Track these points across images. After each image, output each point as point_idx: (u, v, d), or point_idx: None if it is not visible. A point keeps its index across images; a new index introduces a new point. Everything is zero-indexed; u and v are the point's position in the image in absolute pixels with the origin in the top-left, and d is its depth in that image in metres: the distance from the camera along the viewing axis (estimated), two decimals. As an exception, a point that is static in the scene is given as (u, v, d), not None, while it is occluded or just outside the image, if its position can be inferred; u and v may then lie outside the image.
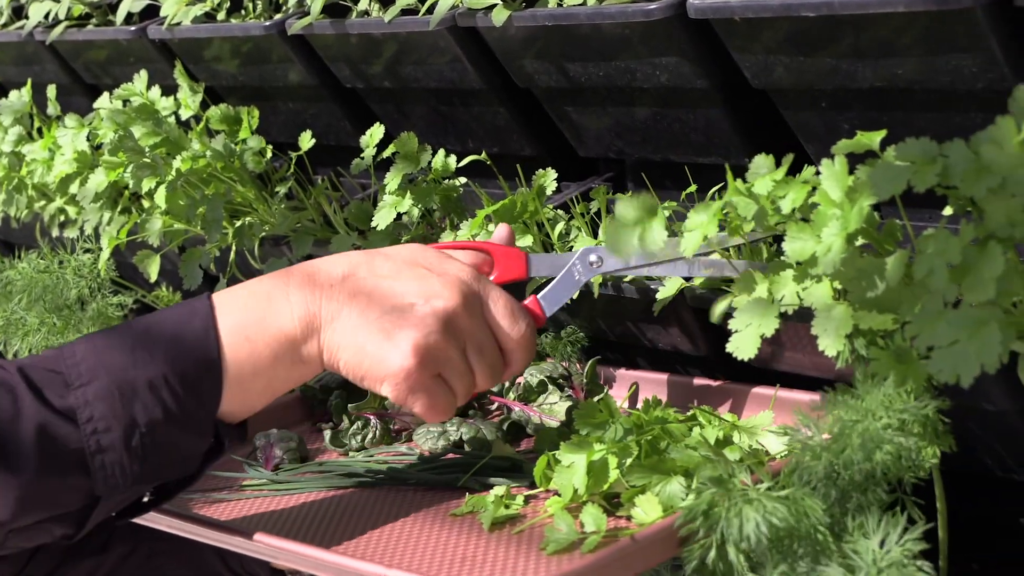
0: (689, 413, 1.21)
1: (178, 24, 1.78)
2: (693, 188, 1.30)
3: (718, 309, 1.18)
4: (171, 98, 1.73)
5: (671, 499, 1.08)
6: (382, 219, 1.49)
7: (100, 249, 1.77)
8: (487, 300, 1.14)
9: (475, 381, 1.13)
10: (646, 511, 1.07)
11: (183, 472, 1.12)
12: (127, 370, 1.07)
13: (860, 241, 1.02)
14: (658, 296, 1.26)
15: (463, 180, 1.54)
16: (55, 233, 1.95)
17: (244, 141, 1.65)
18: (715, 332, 1.21)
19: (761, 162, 1.06)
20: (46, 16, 1.99)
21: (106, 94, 1.83)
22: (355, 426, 1.38)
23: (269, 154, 1.65)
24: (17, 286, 1.81)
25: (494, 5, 1.39)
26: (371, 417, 1.38)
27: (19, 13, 2.14)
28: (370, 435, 1.37)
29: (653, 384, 1.34)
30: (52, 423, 1.04)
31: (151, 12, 1.88)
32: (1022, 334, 0.95)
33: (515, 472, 1.24)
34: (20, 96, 1.98)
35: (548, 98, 1.48)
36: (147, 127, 1.64)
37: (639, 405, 1.22)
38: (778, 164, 1.09)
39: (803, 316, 1.06)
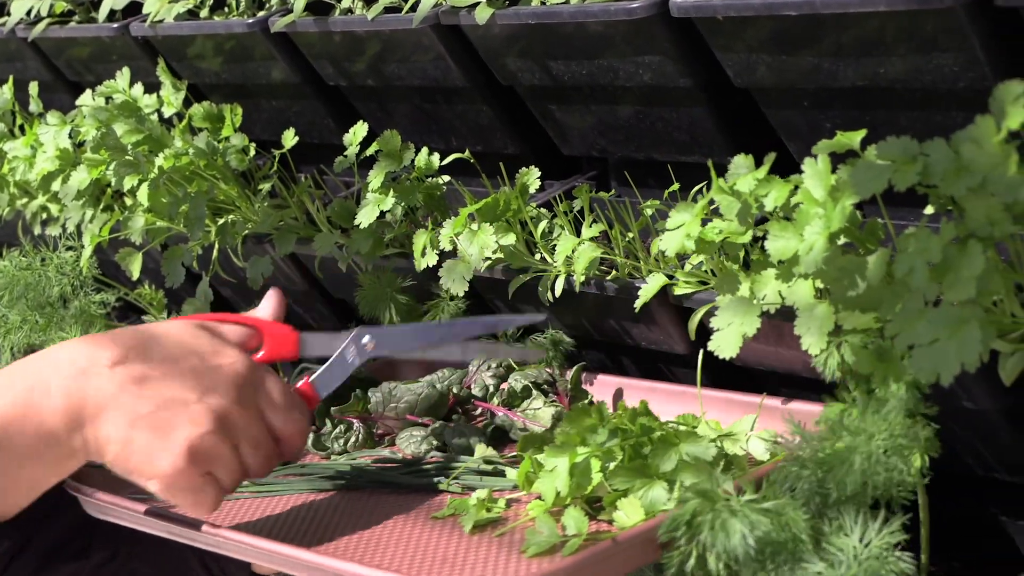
0: (672, 420, 1.21)
1: (161, 21, 1.77)
2: (676, 187, 1.30)
3: (694, 323, 1.19)
4: (154, 95, 1.72)
5: (653, 504, 1.07)
6: (365, 217, 1.49)
7: (82, 247, 1.77)
8: (262, 390, 1.13)
9: (247, 473, 1.12)
10: (628, 514, 1.07)
11: None
12: None
13: (842, 240, 1.02)
14: (640, 294, 1.25)
15: (446, 178, 1.54)
16: (37, 231, 1.94)
17: (227, 139, 1.65)
18: (698, 331, 1.21)
19: (741, 161, 1.06)
20: (28, 12, 1.98)
21: (88, 91, 1.82)
22: (338, 430, 1.37)
23: (252, 152, 1.65)
24: (-1, 284, 1.80)
25: (477, 3, 1.38)
26: (354, 421, 1.37)
27: (1, 9, 2.13)
28: (353, 439, 1.36)
29: (637, 390, 1.34)
30: None
31: (134, 9, 1.87)
32: (1002, 332, 0.96)
33: (497, 476, 1.24)
34: (2, 93, 1.97)
35: (531, 96, 1.48)
36: (129, 124, 1.64)
37: (619, 410, 1.22)
38: (760, 163, 1.09)
39: (786, 315, 1.06)
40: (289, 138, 1.62)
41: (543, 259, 1.37)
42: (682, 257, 1.26)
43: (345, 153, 1.56)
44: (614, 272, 1.33)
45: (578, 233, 1.35)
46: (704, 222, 1.12)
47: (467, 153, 1.52)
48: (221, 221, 1.67)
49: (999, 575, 1.24)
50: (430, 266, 1.43)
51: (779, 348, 1.21)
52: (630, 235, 1.32)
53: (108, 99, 1.73)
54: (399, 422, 1.36)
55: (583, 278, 1.32)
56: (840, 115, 1.20)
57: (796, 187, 1.03)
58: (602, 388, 1.38)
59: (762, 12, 1.14)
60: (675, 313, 1.29)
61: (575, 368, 1.34)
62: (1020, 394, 1.06)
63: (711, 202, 1.12)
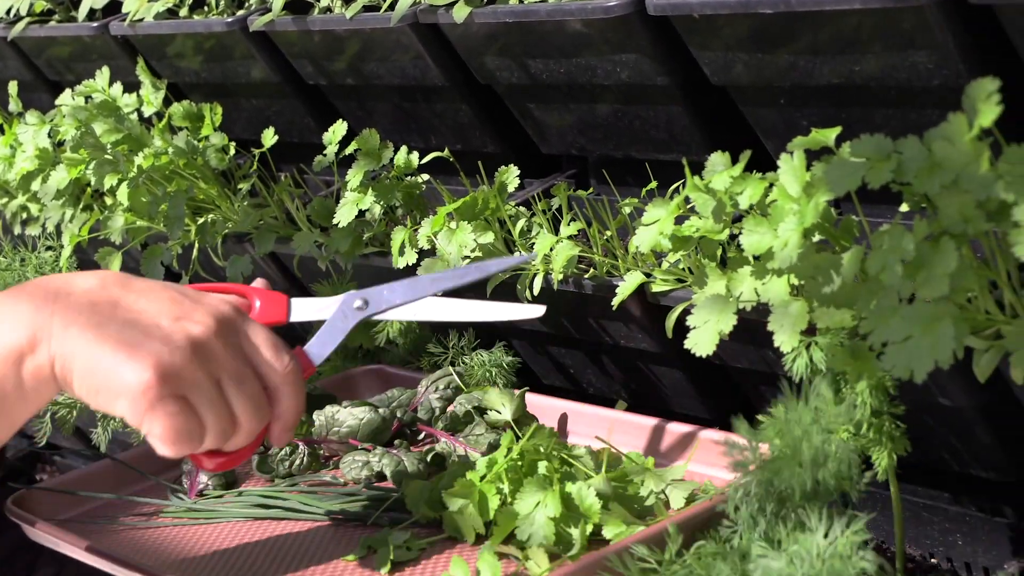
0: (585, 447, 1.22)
1: (140, 20, 1.77)
2: (653, 185, 1.30)
3: (671, 322, 1.19)
4: (134, 95, 1.72)
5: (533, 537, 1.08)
6: (343, 216, 1.49)
7: (62, 246, 1.76)
8: (246, 331, 1.05)
9: (233, 417, 1.03)
10: (537, 563, 1.08)
11: None
12: None
13: (818, 237, 1.02)
14: (617, 292, 1.26)
15: (425, 177, 1.54)
16: (17, 231, 1.94)
17: (207, 138, 1.65)
18: (675, 329, 1.22)
19: (717, 159, 1.06)
20: (7, 12, 1.98)
21: (68, 91, 1.82)
22: (283, 452, 1.36)
23: (232, 151, 1.64)
24: (-22, 284, 1.80)
25: (455, 2, 1.39)
26: (299, 443, 1.36)
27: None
28: (298, 461, 1.36)
29: (582, 417, 1.34)
30: None
31: (114, 8, 1.87)
32: (976, 329, 0.96)
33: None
34: (-19, 93, 1.96)
35: (510, 95, 1.48)
36: (109, 124, 1.64)
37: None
38: (737, 161, 1.09)
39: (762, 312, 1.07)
40: (269, 137, 1.62)
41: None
42: (660, 255, 1.26)
43: (324, 152, 1.56)
44: (592, 270, 1.33)
45: (556, 231, 1.35)
46: (681, 220, 1.12)
47: (446, 152, 1.52)
48: (201, 220, 1.66)
49: (975, 572, 1.24)
50: (409, 264, 1.43)
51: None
52: (608, 233, 1.33)
53: (88, 98, 1.72)
54: (344, 446, 1.36)
55: (561, 276, 1.32)
56: (816, 113, 1.21)
57: (771, 184, 1.03)
58: (551, 413, 1.39)
59: (738, 10, 1.14)
60: (653, 311, 1.29)
61: (518, 393, 1.33)
62: (995, 391, 1.07)
63: (687, 200, 1.12)
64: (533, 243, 1.35)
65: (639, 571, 0.99)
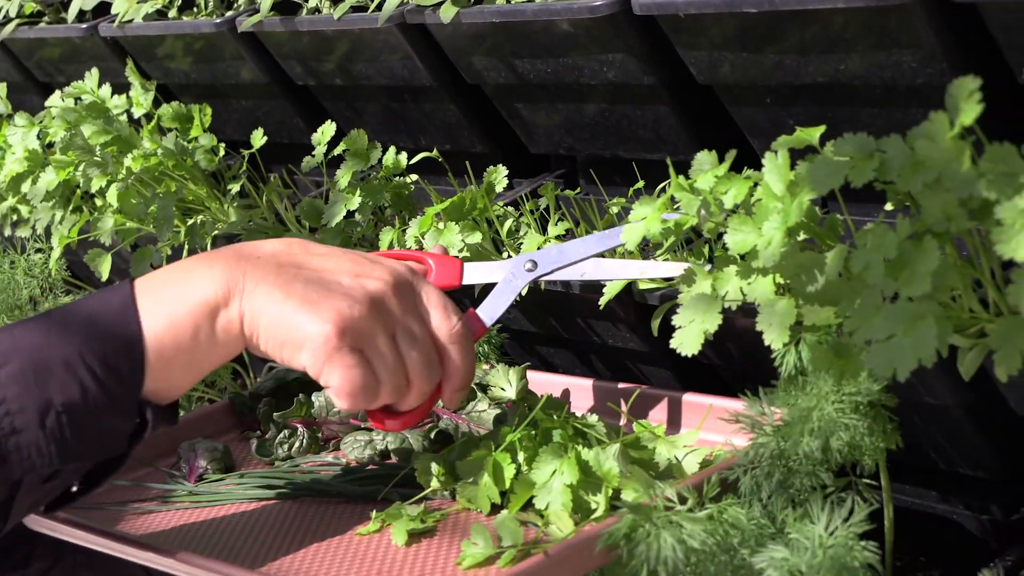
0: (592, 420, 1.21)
1: (130, 22, 1.77)
2: (640, 184, 1.30)
3: (656, 321, 1.19)
4: (123, 96, 1.72)
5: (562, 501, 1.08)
6: (332, 216, 1.49)
7: (51, 248, 1.76)
8: (421, 293, 1.11)
9: (406, 373, 1.08)
10: (560, 526, 1.07)
11: (107, 453, 1.08)
12: (42, 350, 1.04)
13: (802, 236, 1.02)
14: (604, 292, 1.26)
15: (414, 177, 1.54)
16: (7, 232, 1.93)
17: (196, 139, 1.65)
18: (662, 328, 1.22)
19: (704, 158, 1.06)
20: (-2, 14, 1.98)
21: (57, 92, 1.82)
22: (282, 435, 1.35)
23: (221, 152, 1.64)
24: (-32, 287, 1.80)
25: (442, 2, 1.39)
26: (298, 426, 1.35)
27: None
28: (297, 444, 1.34)
29: (585, 391, 1.33)
30: None
31: (104, 9, 1.87)
32: (960, 328, 0.96)
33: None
34: (-29, 95, 1.96)
35: (498, 95, 1.48)
36: (97, 125, 1.64)
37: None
38: (723, 160, 1.09)
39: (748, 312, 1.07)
40: (258, 138, 1.62)
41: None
42: (646, 253, 1.26)
43: (313, 153, 1.56)
44: (580, 270, 1.33)
45: (544, 231, 1.35)
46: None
47: (435, 152, 1.52)
48: (190, 222, 1.66)
49: (963, 569, 1.24)
50: (398, 265, 1.43)
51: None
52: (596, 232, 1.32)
53: (77, 100, 1.72)
54: (343, 427, 1.35)
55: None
56: (802, 112, 1.21)
57: (756, 184, 1.03)
58: (553, 389, 1.37)
59: (723, 9, 1.14)
60: (640, 311, 1.29)
61: (520, 368, 1.33)
62: (980, 389, 1.07)
63: (674, 199, 1.12)
64: (521, 243, 1.35)
65: (666, 520, 0.98)
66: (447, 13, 1.37)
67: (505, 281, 1.19)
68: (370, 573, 1.09)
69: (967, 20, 1.03)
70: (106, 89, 1.70)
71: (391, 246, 1.43)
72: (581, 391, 1.32)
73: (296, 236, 1.57)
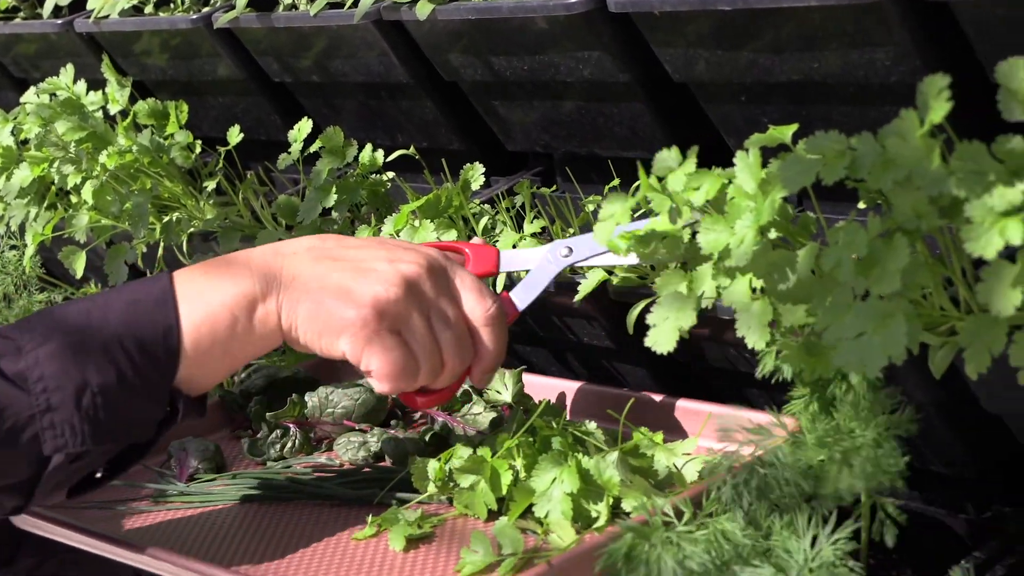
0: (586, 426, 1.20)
1: (105, 17, 1.76)
2: (616, 182, 1.30)
3: (631, 318, 1.18)
4: (99, 92, 1.71)
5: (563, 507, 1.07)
6: (307, 213, 1.48)
7: (26, 245, 1.75)
8: (454, 276, 1.12)
9: (442, 356, 1.10)
10: (560, 535, 1.07)
11: (136, 438, 1.09)
12: (82, 331, 1.05)
13: (774, 234, 1.02)
14: (580, 289, 1.25)
15: (391, 175, 1.54)
16: (-17, 229, 1.93)
17: (172, 136, 1.64)
18: (637, 326, 1.21)
19: (666, 156, 1.05)
20: (-27, 10, 1.97)
21: (32, 88, 1.81)
22: (274, 435, 1.33)
23: (198, 149, 1.64)
24: (-58, 284, 1.79)
25: (418, -2, 1.38)
26: (291, 426, 1.34)
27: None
28: (289, 444, 1.33)
29: (581, 395, 1.32)
30: (3, 391, 1.03)
31: (80, 5, 1.86)
32: (931, 326, 0.96)
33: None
34: (-54, 91, 1.95)
35: (474, 92, 1.48)
36: (72, 122, 1.63)
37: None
38: (702, 158, 1.08)
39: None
40: (234, 135, 1.62)
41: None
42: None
43: (289, 150, 1.55)
44: (555, 268, 1.32)
45: (519, 228, 1.35)
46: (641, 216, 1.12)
47: (412, 149, 1.51)
48: (166, 219, 1.65)
49: (935, 567, 1.24)
50: (373, 263, 1.42)
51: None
52: (571, 231, 1.32)
53: (52, 96, 1.71)
54: (336, 427, 1.34)
55: (524, 274, 1.31)
56: (777, 110, 1.21)
57: (729, 181, 1.03)
58: (549, 392, 1.37)
59: (697, 7, 1.14)
60: (615, 309, 1.29)
61: (516, 371, 1.32)
62: (952, 387, 1.07)
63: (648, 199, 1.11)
64: (496, 241, 1.35)
65: (665, 540, 0.98)
66: (423, 10, 1.37)
67: (540, 267, 1.19)
68: None
69: (940, 18, 1.03)
70: (81, 85, 1.70)
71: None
72: (577, 394, 1.32)
73: (270, 233, 1.56)
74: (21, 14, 1.95)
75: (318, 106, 1.69)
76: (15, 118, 1.78)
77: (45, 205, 1.74)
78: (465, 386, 1.34)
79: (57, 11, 1.87)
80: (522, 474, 1.12)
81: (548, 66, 1.34)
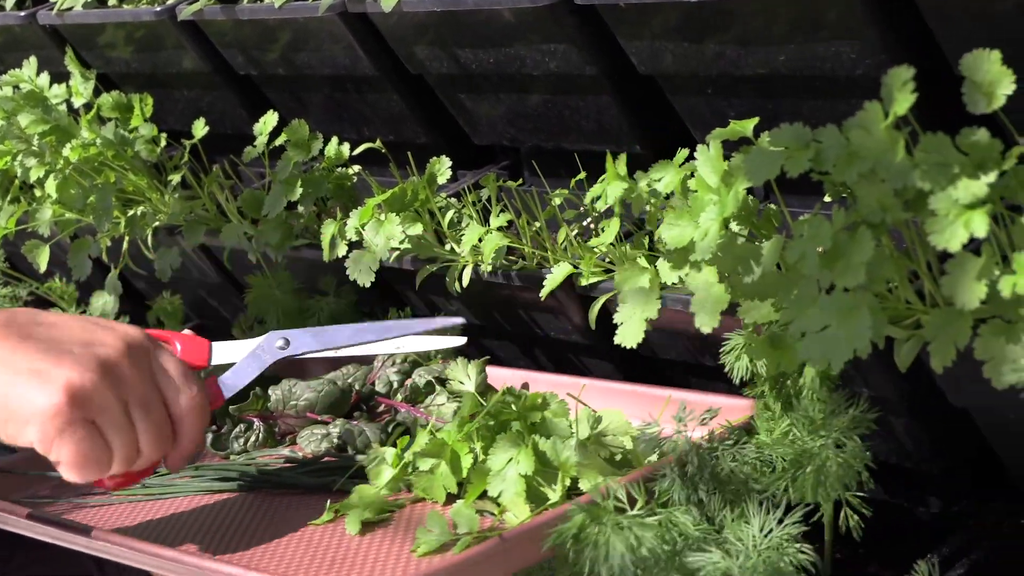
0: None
1: (69, 9, 1.74)
2: (583, 176, 1.29)
3: (594, 312, 1.18)
4: (62, 85, 1.69)
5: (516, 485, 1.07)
6: (271, 207, 1.47)
7: (-11, 239, 1.73)
8: (156, 359, 1.08)
9: (138, 444, 1.05)
10: (516, 515, 1.06)
11: None
12: None
13: (739, 228, 1.02)
14: (546, 283, 1.25)
15: (357, 168, 1.53)
16: (-55, 224, 1.90)
17: (136, 129, 1.62)
18: (604, 321, 1.21)
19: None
20: (-65, 1, 1.94)
21: (-5, 81, 1.79)
22: (238, 429, 1.33)
23: (163, 142, 1.62)
24: (-96, 279, 1.77)
25: (383, -10, 1.37)
26: (254, 420, 1.34)
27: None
28: (253, 438, 1.32)
29: (544, 385, 1.32)
30: None
31: (44, -4, 1.84)
32: (896, 319, 0.96)
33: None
34: (-92, 83, 1.92)
35: (441, 85, 1.47)
36: (35, 114, 1.61)
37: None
38: (662, 151, 1.08)
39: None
40: (199, 128, 1.60)
41: (452, 249, 1.36)
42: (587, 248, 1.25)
43: (255, 143, 1.54)
44: (521, 262, 1.32)
45: (486, 222, 1.34)
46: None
47: (378, 143, 1.50)
48: (131, 212, 1.64)
49: (903, 561, 1.24)
50: (339, 257, 1.41)
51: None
52: (537, 225, 1.32)
53: (15, 88, 1.69)
54: (300, 420, 1.34)
55: (490, 267, 1.30)
56: (744, 103, 1.20)
57: (692, 173, 1.02)
58: (512, 382, 1.36)
59: (663, -1, 1.14)
60: (581, 303, 1.28)
61: (479, 362, 1.31)
62: (917, 381, 1.06)
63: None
64: (462, 235, 1.34)
65: (616, 525, 0.98)
66: (388, 2, 1.36)
67: (253, 355, 1.18)
68: (323, 562, 1.08)
69: (905, 11, 1.03)
70: (44, 78, 1.67)
71: (333, 239, 1.42)
72: (541, 385, 1.31)
73: (235, 227, 1.55)
74: (-16, 6, 1.92)
75: (284, 99, 1.68)
76: (-23, 111, 1.75)
77: (8, 199, 1.72)
78: (429, 377, 1.33)
79: (20, 3, 1.85)
80: (481, 458, 1.12)
81: (514, 59, 1.33)
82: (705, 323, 0.99)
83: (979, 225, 0.85)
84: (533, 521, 1.04)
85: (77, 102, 1.69)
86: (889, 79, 0.88)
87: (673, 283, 1.06)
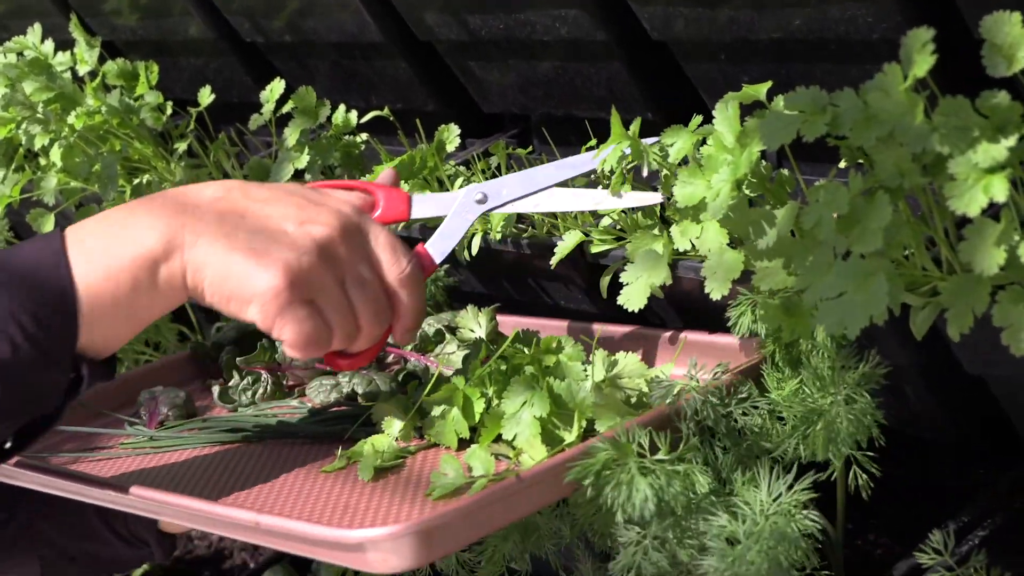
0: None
1: (74, -24, 1.73)
2: (593, 143, 1.27)
3: (605, 281, 1.16)
4: (67, 53, 1.68)
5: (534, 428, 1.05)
6: (279, 175, 1.46)
7: (-7, 208, 1.72)
8: (368, 235, 1.07)
9: (357, 320, 1.05)
10: (532, 455, 1.05)
11: (40, 410, 1.05)
12: None
13: (753, 193, 1.01)
14: (556, 251, 1.23)
15: (365, 136, 1.51)
16: (-50, 192, 1.89)
17: (142, 97, 1.61)
18: (613, 288, 1.20)
19: None
20: (-61, -32, 1.93)
21: (-1, 48, 1.77)
22: (245, 381, 1.32)
23: (169, 110, 1.61)
24: (-92, 247, 1.76)
25: (392, -45, 1.35)
26: (262, 372, 1.32)
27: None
28: (260, 390, 1.31)
29: (557, 331, 1.30)
30: None
31: (48, -36, 1.83)
32: (913, 286, 0.94)
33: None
34: (-88, 51, 1.91)
35: (450, 52, 1.46)
36: (40, 82, 1.60)
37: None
38: (676, 118, 1.07)
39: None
40: (205, 96, 1.59)
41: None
42: (598, 216, 1.24)
43: (261, 111, 1.53)
44: (531, 230, 1.31)
45: (496, 190, 1.32)
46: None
47: (386, 111, 1.49)
48: (136, 181, 1.63)
49: (918, 531, 1.23)
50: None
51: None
52: (547, 192, 1.30)
53: (19, 55, 1.68)
54: (309, 372, 1.32)
55: (499, 236, 1.29)
56: (757, 69, 1.18)
57: (704, 140, 1.01)
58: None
59: (676, -38, 1.12)
60: (592, 272, 1.27)
61: (489, 309, 1.30)
62: (933, 350, 1.05)
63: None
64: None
65: (637, 461, 0.97)
66: (397, -34, 1.34)
67: (455, 215, 1.15)
68: (336, 507, 1.08)
69: (923, -27, 1.01)
70: (49, 45, 1.66)
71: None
72: (553, 332, 1.29)
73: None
74: (-12, -27, 1.91)
75: (291, 67, 1.66)
76: (-19, 78, 1.74)
77: (13, 167, 1.71)
78: (438, 325, 1.32)
79: (25, -30, 1.84)
80: (494, 402, 1.11)
81: (525, 24, 1.31)
82: (716, 290, 0.98)
83: (999, 189, 0.83)
84: (552, 460, 1.02)
85: (82, 70, 1.68)
86: (908, 40, 0.86)
87: (686, 250, 1.05)
